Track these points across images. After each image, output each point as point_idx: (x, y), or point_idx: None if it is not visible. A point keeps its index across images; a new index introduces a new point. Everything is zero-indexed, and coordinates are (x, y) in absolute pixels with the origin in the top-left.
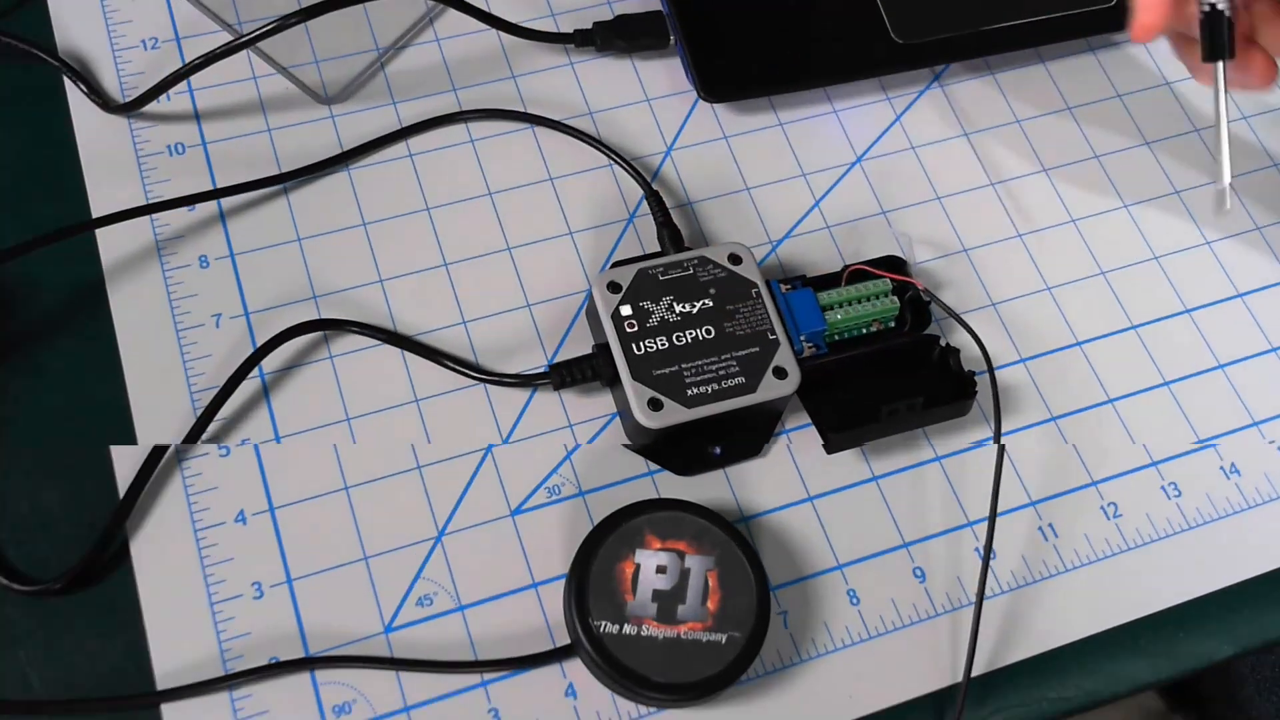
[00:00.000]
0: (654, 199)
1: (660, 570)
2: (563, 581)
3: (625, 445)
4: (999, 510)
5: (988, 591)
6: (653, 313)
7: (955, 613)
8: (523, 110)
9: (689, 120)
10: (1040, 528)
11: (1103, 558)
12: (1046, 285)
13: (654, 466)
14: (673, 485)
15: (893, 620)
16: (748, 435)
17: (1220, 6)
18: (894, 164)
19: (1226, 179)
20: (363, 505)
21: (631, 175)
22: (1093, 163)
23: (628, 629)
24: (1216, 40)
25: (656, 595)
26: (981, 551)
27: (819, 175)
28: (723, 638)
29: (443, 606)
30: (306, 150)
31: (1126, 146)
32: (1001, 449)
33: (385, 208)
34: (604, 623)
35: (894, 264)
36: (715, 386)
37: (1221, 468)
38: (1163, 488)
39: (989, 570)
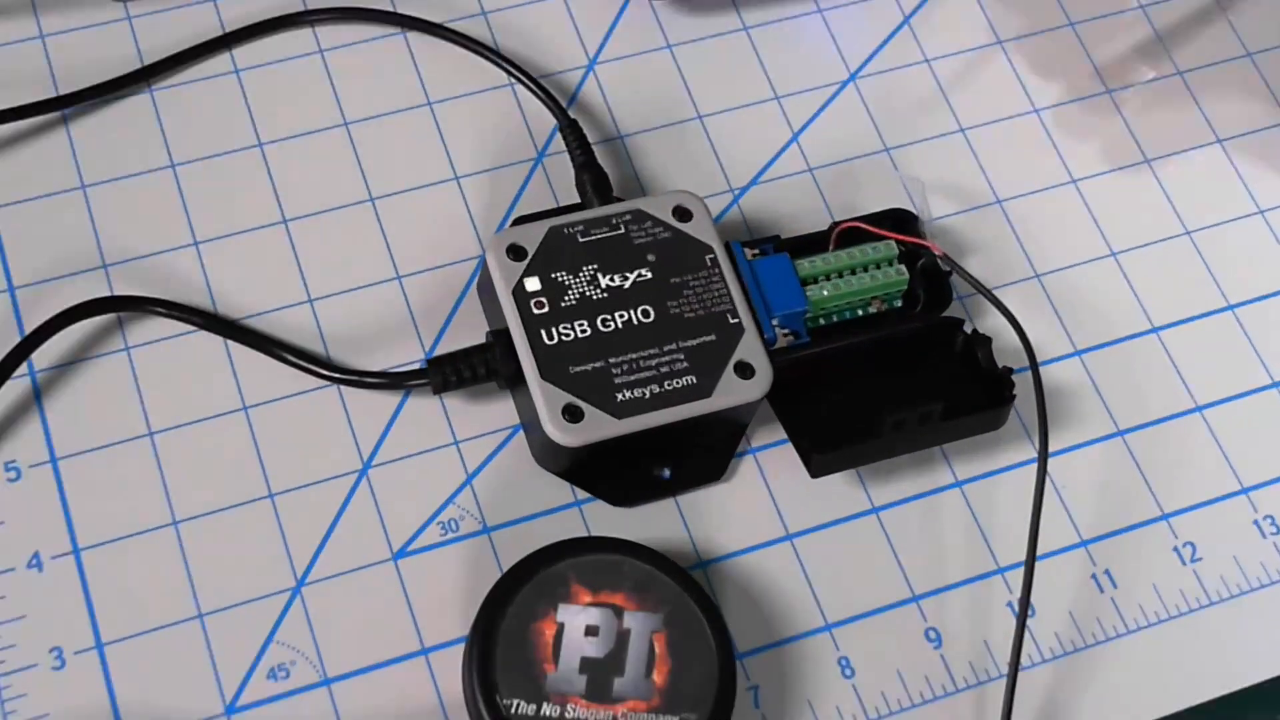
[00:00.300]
0: (571, 131)
1: (591, 632)
2: (461, 647)
3: (543, 466)
4: (1040, 553)
5: (1025, 660)
6: (570, 288)
7: (982, 688)
8: (391, 9)
9: (620, 22)
10: (1094, 575)
11: (1177, 616)
12: (1111, 250)
13: (583, 494)
14: (607, 519)
15: (899, 699)
16: (705, 453)
17: None
18: (901, 83)
19: None
20: (197, 546)
21: (540, 99)
22: (1175, 80)
23: (548, 710)
24: None
25: (586, 665)
26: (1016, 607)
27: (798, 99)
28: None
29: (303, 680)
30: (94, 64)
31: (1223, 58)
32: (1044, 472)
33: (202, 143)
34: (516, 702)
35: (901, 221)
36: (656, 389)
37: None
38: (1256, 522)
39: (1026, 632)
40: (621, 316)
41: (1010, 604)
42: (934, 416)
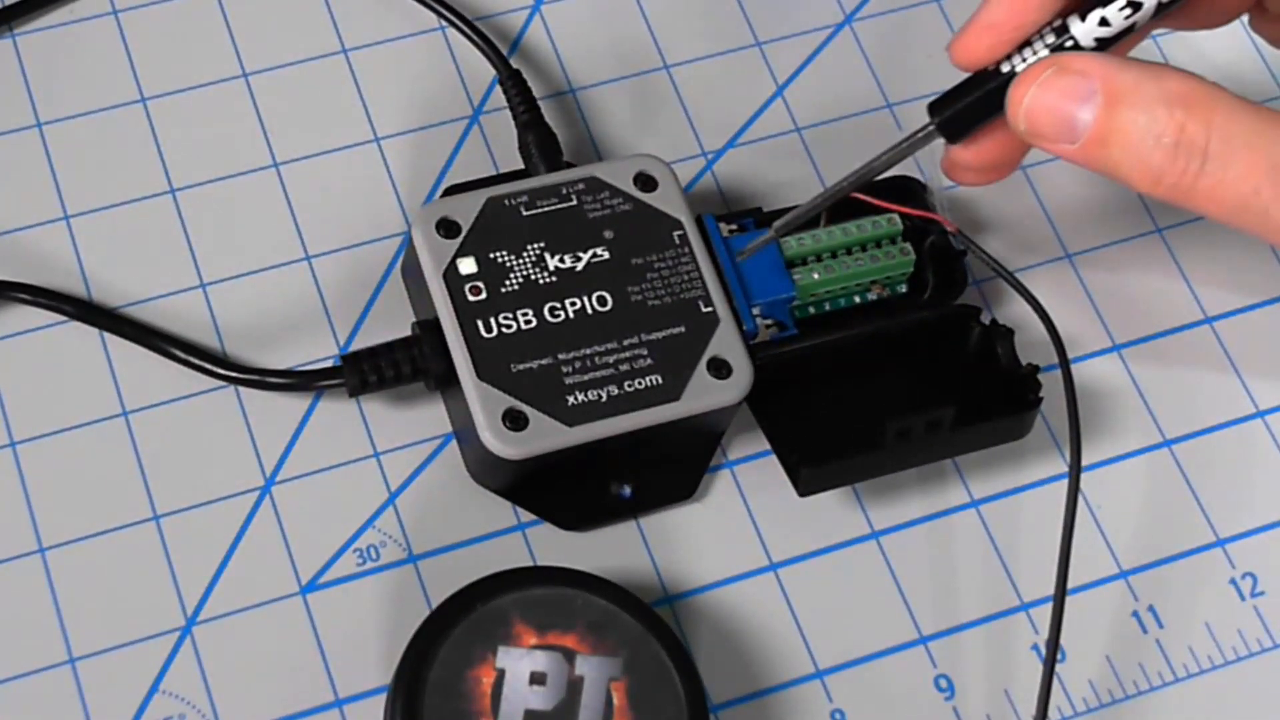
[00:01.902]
0: (513, 84)
1: (537, 680)
2: (383, 698)
3: (481, 483)
4: (1071, 586)
5: (1053, 714)
6: (512, 270)
7: None
8: None
9: None
10: (1136, 613)
11: (1234, 661)
12: (1156, 225)
13: (529, 516)
14: (557, 546)
15: None
16: (672, 468)
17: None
18: (906, 25)
19: None
20: (67, 578)
21: (476, 45)
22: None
23: None
24: None
25: (532, 719)
26: (1043, 651)
27: (784, 45)
28: None
29: None
30: None
31: None
32: (1076, 489)
33: (74, 98)
34: None
35: (906, 191)
36: (615, 391)
37: None
38: None
39: (1055, 680)
40: (573, 305)
41: (1036, 646)
42: (945, 424)
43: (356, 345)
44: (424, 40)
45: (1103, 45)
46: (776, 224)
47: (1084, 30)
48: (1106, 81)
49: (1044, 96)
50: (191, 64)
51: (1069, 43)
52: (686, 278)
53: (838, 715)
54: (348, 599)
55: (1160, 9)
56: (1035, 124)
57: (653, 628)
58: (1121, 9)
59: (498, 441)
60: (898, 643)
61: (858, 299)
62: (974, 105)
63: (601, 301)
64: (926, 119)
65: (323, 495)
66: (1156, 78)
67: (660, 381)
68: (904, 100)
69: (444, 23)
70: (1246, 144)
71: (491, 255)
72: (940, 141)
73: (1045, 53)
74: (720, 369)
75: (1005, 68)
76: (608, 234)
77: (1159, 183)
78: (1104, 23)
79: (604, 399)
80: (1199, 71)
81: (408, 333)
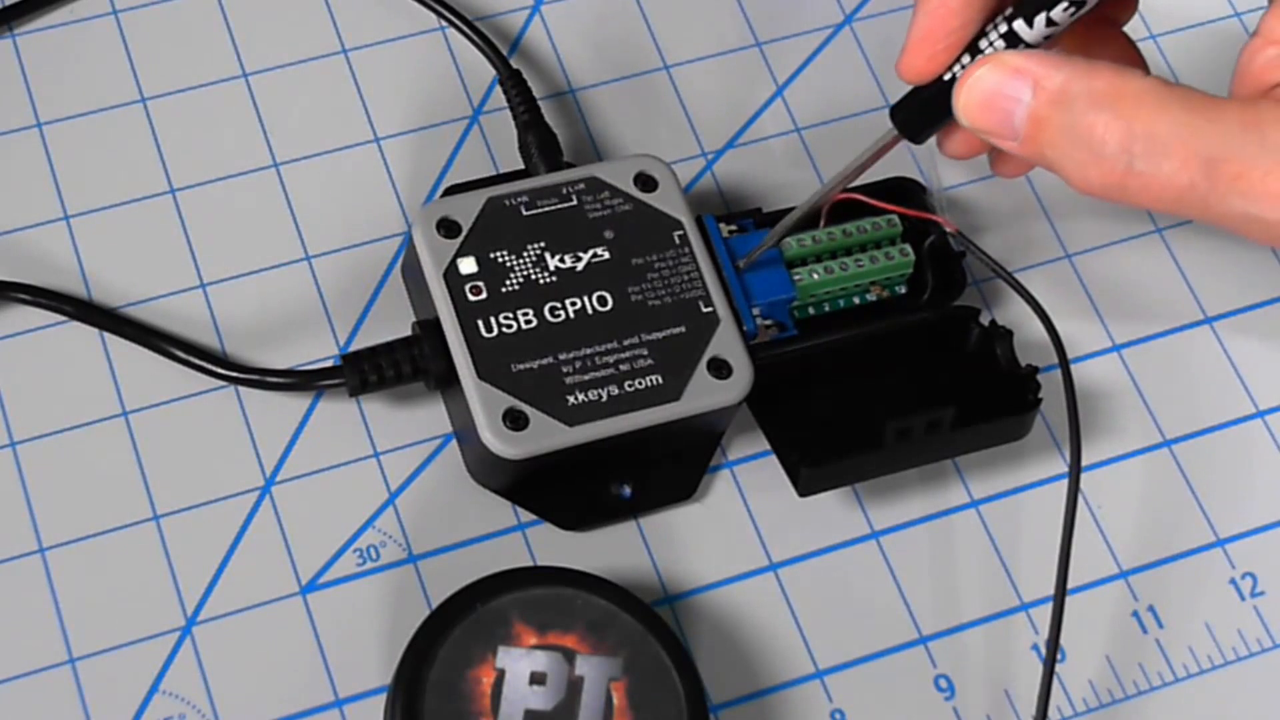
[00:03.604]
0: (514, 84)
1: (537, 680)
2: (382, 698)
3: (481, 483)
4: (1072, 586)
5: (1053, 713)
6: (512, 270)
7: None
8: None
9: None
10: (1136, 613)
11: (1234, 661)
12: (1156, 225)
13: (529, 516)
14: (557, 546)
15: None
16: (672, 468)
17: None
18: (906, 25)
19: None
20: (68, 578)
21: (477, 45)
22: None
23: None
24: None
25: (532, 719)
26: (1043, 651)
27: (784, 45)
28: None
29: None
30: None
31: None
32: (1076, 489)
33: (74, 98)
34: None
35: (906, 191)
36: (615, 391)
37: None
38: None
39: (1055, 680)
40: (573, 305)
41: (1036, 646)
42: (944, 424)
43: (356, 345)
44: (424, 40)
45: (1051, 40)
46: (767, 238)
47: (1033, 34)
48: (1037, 79)
49: (978, 94)
50: (191, 64)
51: (1020, 46)
52: (686, 278)
53: (838, 715)
54: (348, 599)
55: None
56: (975, 120)
57: (653, 628)
58: (1066, 9)
59: (498, 441)
60: (898, 643)
61: (857, 300)
62: (925, 108)
63: (602, 301)
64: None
65: (323, 495)
66: (1086, 75)
67: (660, 381)
68: None
69: (444, 23)
70: (1177, 139)
71: (492, 255)
72: (939, 142)
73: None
74: (720, 369)
75: (947, 76)
76: (608, 234)
77: (1090, 181)
78: (1050, 23)
79: (604, 399)
80: (1193, 71)
81: (408, 333)
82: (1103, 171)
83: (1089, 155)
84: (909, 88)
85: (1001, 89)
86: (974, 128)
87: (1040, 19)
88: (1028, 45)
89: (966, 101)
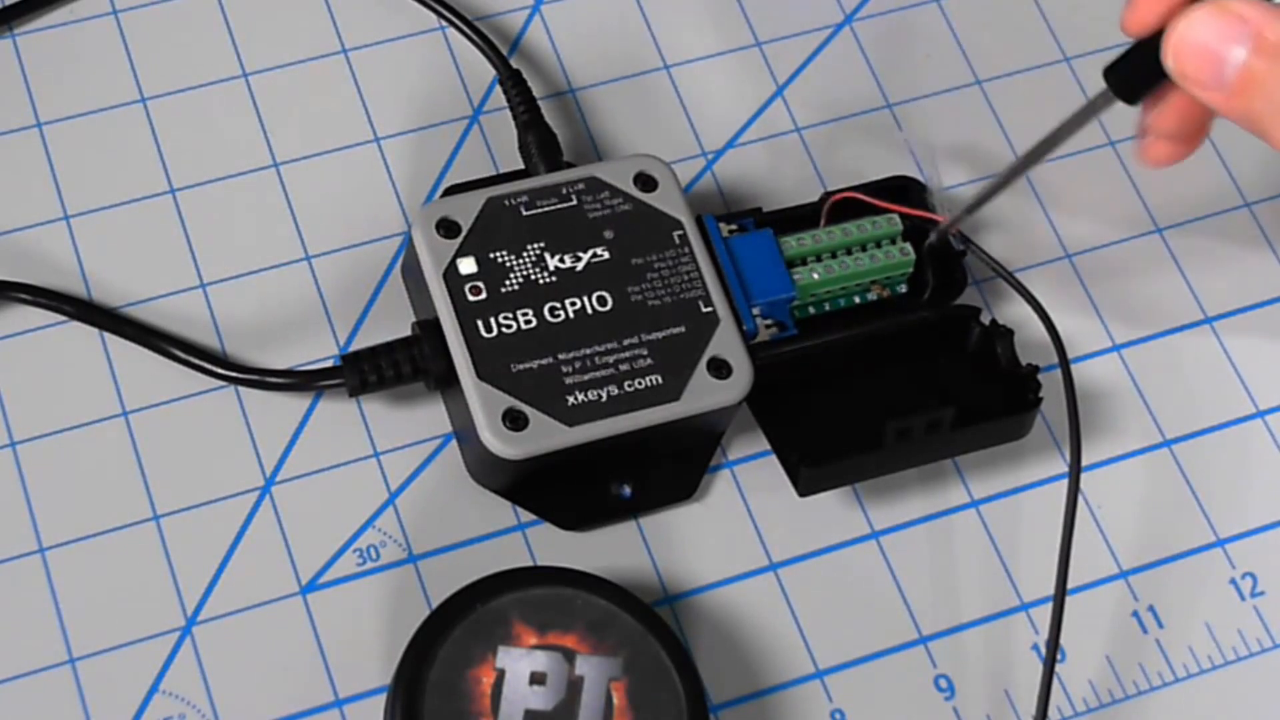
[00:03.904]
0: (514, 84)
1: (537, 680)
2: (382, 698)
3: (481, 483)
4: (1072, 586)
5: (1053, 713)
6: (512, 270)
7: None
8: None
9: None
10: (1136, 613)
11: (1234, 661)
12: (1156, 225)
13: (529, 516)
14: (557, 546)
15: None
16: (672, 468)
17: None
18: (906, 24)
19: None
20: (68, 578)
21: (477, 45)
22: None
23: None
24: None
25: (532, 719)
26: (1043, 651)
27: (784, 45)
28: None
29: None
30: None
31: None
32: (1076, 489)
33: (74, 98)
34: None
35: (906, 191)
36: (615, 391)
37: None
38: None
39: (1055, 680)
40: (573, 304)
41: (1036, 646)
42: (945, 424)
43: (356, 345)
44: (424, 40)
45: None
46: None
47: None
48: (1262, 27)
49: (1193, 34)
50: (191, 64)
51: None
52: (686, 278)
53: (838, 715)
54: (348, 599)
55: None
56: (1182, 63)
57: (653, 628)
58: None
59: (498, 441)
60: (898, 643)
61: (858, 299)
62: (1143, 64)
63: (601, 301)
64: (930, 122)
65: (323, 495)
66: None
67: (660, 381)
68: (904, 100)
69: (444, 23)
70: None
71: (491, 255)
72: (938, 143)
73: None
74: (720, 369)
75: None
76: (608, 234)
77: None
78: None
79: (604, 399)
80: None
81: (408, 333)
82: None
83: None
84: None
85: (1218, 35)
86: (1179, 75)
87: None
88: None
89: (1178, 44)
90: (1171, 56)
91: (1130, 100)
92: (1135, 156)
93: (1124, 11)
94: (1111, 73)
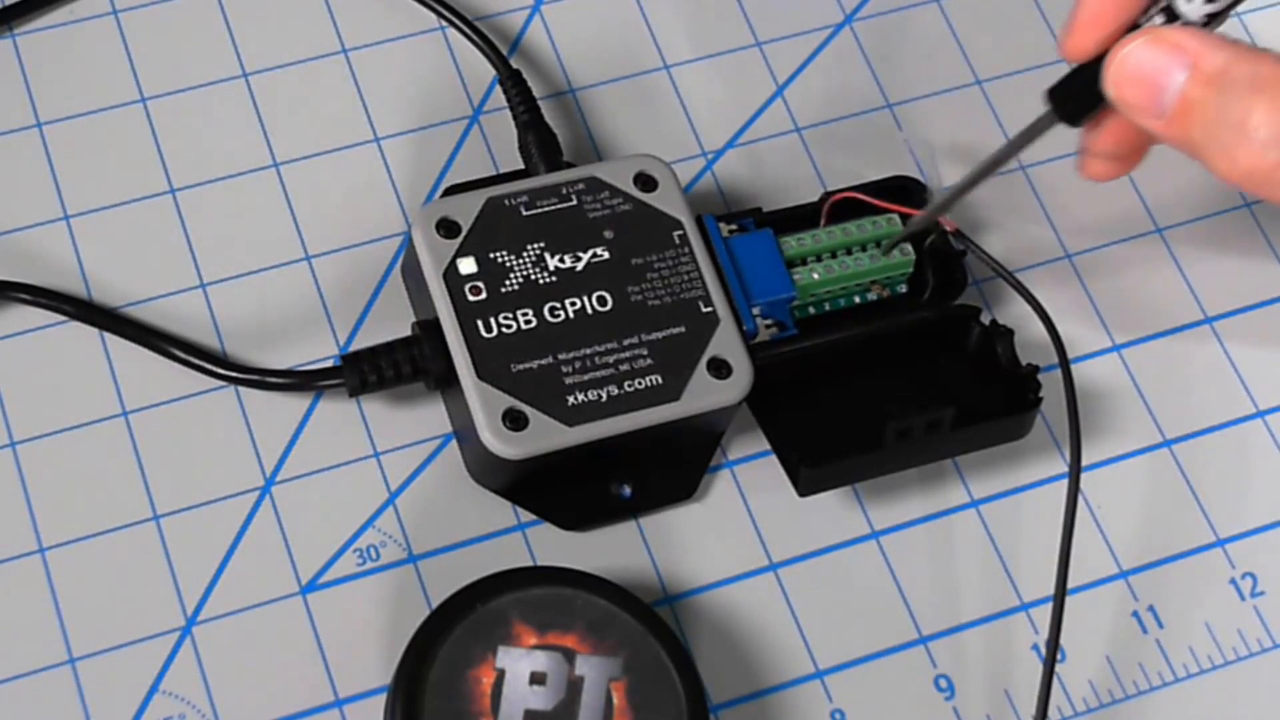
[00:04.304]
0: (514, 84)
1: (537, 680)
2: (382, 698)
3: (481, 483)
4: (1071, 586)
5: (1053, 713)
6: (512, 270)
7: None
8: None
9: None
10: (1136, 613)
11: (1234, 661)
12: (1157, 225)
13: (528, 516)
14: (557, 546)
15: None
16: (672, 468)
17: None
18: (906, 24)
19: None
20: (68, 578)
21: (477, 45)
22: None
23: None
24: None
25: (532, 719)
26: (1043, 651)
27: (784, 45)
28: None
29: None
30: None
31: None
32: (1076, 489)
33: (74, 98)
34: None
35: (906, 191)
36: (615, 391)
37: None
38: None
39: (1055, 680)
40: (573, 305)
41: (1036, 646)
42: (945, 424)
43: (356, 345)
44: (424, 40)
45: (1212, 21)
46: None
47: (1192, 9)
48: (1198, 57)
49: (1132, 63)
50: (191, 64)
51: (1179, 22)
52: (686, 278)
53: (838, 715)
54: (348, 599)
55: None
56: (1121, 91)
57: (653, 628)
58: None
59: (498, 441)
60: (898, 643)
61: (857, 299)
62: (1085, 87)
63: (601, 301)
64: (930, 122)
65: (323, 495)
66: (1251, 60)
67: (660, 381)
68: (904, 100)
69: (444, 23)
70: None
71: (491, 255)
72: (938, 143)
73: None
74: (720, 369)
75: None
76: (608, 234)
77: (1236, 168)
78: None
79: (604, 399)
80: None
81: (408, 333)
82: (1253, 159)
83: (1240, 141)
84: (917, 94)
85: (1156, 64)
86: (1119, 101)
87: None
88: (1187, 23)
89: (1117, 73)
90: (1111, 84)
91: (1072, 123)
92: (1076, 170)
93: (1061, 36)
94: (1054, 95)
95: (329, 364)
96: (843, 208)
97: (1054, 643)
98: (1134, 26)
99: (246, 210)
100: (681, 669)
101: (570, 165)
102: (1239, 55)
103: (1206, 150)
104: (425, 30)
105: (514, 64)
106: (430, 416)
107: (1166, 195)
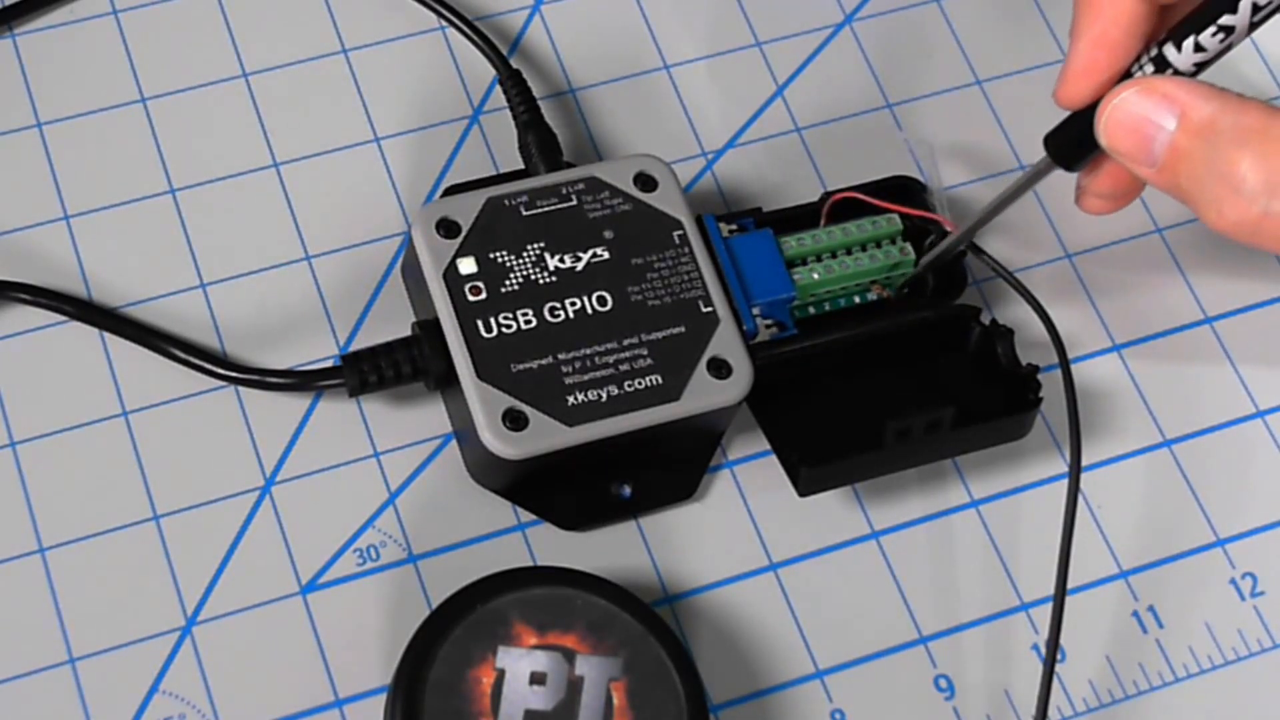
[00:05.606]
0: (514, 84)
1: (537, 680)
2: (383, 698)
3: (481, 483)
4: (1072, 586)
5: (1053, 713)
6: (512, 270)
7: None
8: None
9: None
10: (1136, 613)
11: (1234, 661)
12: (1157, 225)
13: (528, 516)
14: (557, 546)
15: None
16: (672, 468)
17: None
18: (906, 24)
19: None
20: (67, 578)
21: (476, 45)
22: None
23: None
24: None
25: (532, 719)
26: (1043, 651)
27: (784, 45)
28: None
29: None
30: None
31: None
32: (1076, 489)
33: (74, 98)
34: None
35: (906, 191)
36: (615, 391)
37: None
38: None
39: (1055, 680)
40: (573, 305)
41: (1036, 646)
42: (945, 424)
43: (356, 345)
44: (424, 40)
45: (1201, 68)
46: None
47: (1182, 59)
48: (1185, 108)
49: (1123, 112)
50: (191, 64)
51: (1169, 71)
52: (686, 278)
53: (838, 715)
54: (348, 599)
55: (1252, 28)
56: (1114, 139)
57: (653, 628)
58: (1214, 34)
59: (498, 441)
60: (898, 643)
61: (858, 299)
62: (1080, 135)
63: (601, 301)
64: (930, 122)
65: (323, 495)
66: (1236, 110)
67: (660, 381)
68: (904, 100)
69: (444, 23)
70: None
71: (491, 255)
72: (938, 143)
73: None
74: (720, 369)
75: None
76: (608, 234)
77: (1224, 218)
78: (1199, 48)
79: (604, 399)
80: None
81: (408, 333)
82: (1239, 211)
83: (1227, 192)
84: (917, 94)
85: (1146, 114)
86: (1112, 149)
87: (1189, 44)
88: (1177, 72)
89: (1109, 123)
90: (1104, 133)
91: (1069, 168)
92: (1075, 204)
93: (1057, 85)
94: (1050, 142)
95: (329, 364)
96: (843, 208)
97: (1054, 643)
98: (1126, 74)
99: (246, 210)
100: (681, 669)
101: (570, 165)
102: (1226, 106)
103: (1195, 200)
104: (425, 30)
105: (514, 64)
106: (430, 416)
107: (1166, 195)
